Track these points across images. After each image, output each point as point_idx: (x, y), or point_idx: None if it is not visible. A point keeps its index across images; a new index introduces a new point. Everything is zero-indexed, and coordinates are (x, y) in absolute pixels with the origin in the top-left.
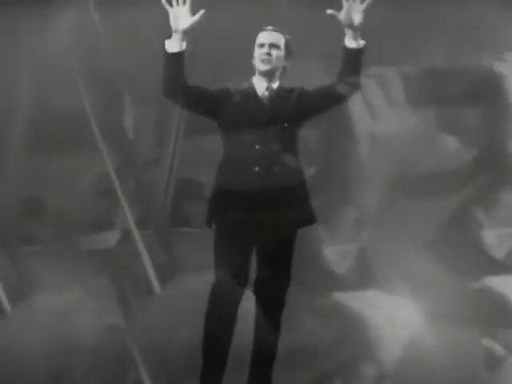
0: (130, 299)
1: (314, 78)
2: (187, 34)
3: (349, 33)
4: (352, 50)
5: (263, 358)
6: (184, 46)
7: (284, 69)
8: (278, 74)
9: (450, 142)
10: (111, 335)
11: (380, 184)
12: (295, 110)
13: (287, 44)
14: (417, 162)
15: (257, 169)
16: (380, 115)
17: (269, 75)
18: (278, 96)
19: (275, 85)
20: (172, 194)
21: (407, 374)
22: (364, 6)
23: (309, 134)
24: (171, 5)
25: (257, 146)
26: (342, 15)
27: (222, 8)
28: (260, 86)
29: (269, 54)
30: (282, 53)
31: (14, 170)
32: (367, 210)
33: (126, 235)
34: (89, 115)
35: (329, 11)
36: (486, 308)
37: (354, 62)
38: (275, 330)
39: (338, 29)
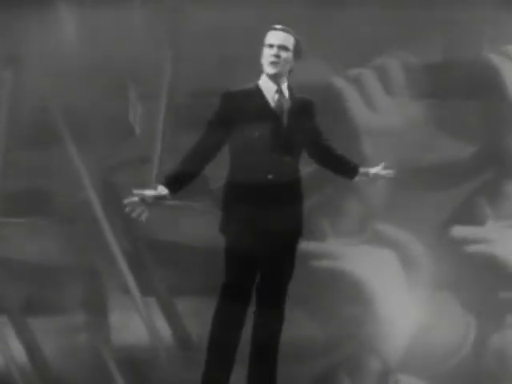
0: None
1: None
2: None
3: (364, 174)
4: (356, 174)
5: (263, 355)
6: (165, 190)
7: (291, 69)
8: (285, 75)
9: (451, 135)
10: None
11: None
12: (309, 133)
13: (296, 45)
14: (417, 154)
15: (270, 177)
16: (379, 108)
17: (276, 78)
18: (293, 108)
19: (284, 86)
20: None
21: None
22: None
23: None
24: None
25: (270, 154)
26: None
27: (233, 6)
28: (268, 88)
29: (277, 56)
30: (290, 55)
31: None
32: (372, 203)
33: None
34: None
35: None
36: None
37: (346, 172)
38: (276, 328)
39: (338, 29)
